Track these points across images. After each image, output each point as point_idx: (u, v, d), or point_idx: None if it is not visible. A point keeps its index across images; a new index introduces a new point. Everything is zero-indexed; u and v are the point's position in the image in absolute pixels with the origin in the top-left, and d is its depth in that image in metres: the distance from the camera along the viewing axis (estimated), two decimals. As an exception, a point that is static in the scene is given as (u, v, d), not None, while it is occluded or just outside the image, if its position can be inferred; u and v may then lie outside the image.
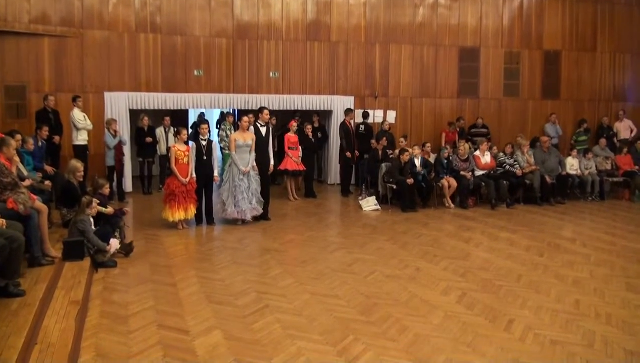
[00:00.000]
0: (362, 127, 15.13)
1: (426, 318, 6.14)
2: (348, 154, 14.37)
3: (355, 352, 5.30)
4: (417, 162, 12.85)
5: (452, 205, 12.83)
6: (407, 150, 12.76)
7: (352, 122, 14.92)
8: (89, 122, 12.90)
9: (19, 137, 9.38)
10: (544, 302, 6.72)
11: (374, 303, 6.61)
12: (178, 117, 16.32)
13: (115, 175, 13.19)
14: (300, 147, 13.72)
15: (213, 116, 23.06)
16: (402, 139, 14.13)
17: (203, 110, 19.85)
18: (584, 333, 5.79)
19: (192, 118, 21.14)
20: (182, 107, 15.18)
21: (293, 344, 5.42)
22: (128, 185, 14.26)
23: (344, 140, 14.48)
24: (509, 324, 5.99)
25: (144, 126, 14.04)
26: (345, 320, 6.06)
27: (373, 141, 14.54)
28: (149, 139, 14.00)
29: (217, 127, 20.08)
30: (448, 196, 12.90)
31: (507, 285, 7.37)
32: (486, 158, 13.49)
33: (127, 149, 13.89)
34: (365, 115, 15.34)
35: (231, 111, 16.38)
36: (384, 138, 14.09)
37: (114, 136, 13.05)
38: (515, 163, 13.56)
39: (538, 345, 5.49)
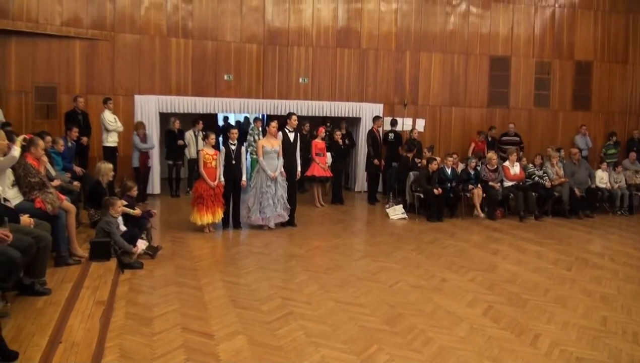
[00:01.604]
0: (391, 135, 15.03)
1: (451, 330, 6.08)
2: (376, 161, 14.31)
3: (379, 362, 5.27)
4: (449, 172, 12.75)
5: (482, 214, 12.71)
6: (436, 159, 12.68)
7: (380, 129, 14.86)
8: (119, 124, 12.99)
9: (49, 138, 9.47)
10: (570, 317, 6.63)
11: (398, 313, 6.57)
12: (207, 122, 16.38)
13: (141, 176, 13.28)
14: (328, 153, 13.70)
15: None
16: (426, 150, 14.02)
17: (231, 114, 19.99)
18: (610, 351, 5.70)
19: (222, 123, 21.28)
20: (212, 111, 15.28)
21: (317, 352, 5.40)
22: (156, 187, 14.39)
23: (371, 148, 14.43)
24: (535, 339, 5.92)
25: (174, 129, 14.13)
26: (369, 329, 6.03)
27: (402, 148, 14.39)
28: (180, 142, 14.11)
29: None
30: (478, 205, 12.78)
31: (534, 299, 7.28)
32: (515, 169, 13.35)
33: (156, 151, 14.01)
34: (394, 123, 15.25)
35: (260, 116, 16.41)
36: (415, 148, 13.99)
37: (142, 140, 13.16)
38: (545, 175, 13.41)
39: (564, 362, 5.41)
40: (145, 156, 13.37)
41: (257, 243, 9.83)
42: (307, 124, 15.03)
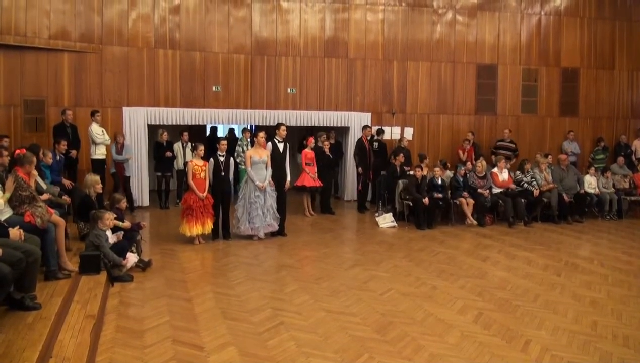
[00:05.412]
0: (375, 144, 15.04)
1: (442, 338, 6.09)
2: (360, 170, 14.34)
3: (370, 370, 5.28)
4: (439, 182, 12.77)
5: (474, 222, 12.72)
6: (421, 167, 12.72)
7: (368, 138, 14.88)
8: (107, 136, 12.98)
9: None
10: (561, 322, 6.66)
11: (389, 321, 6.58)
12: (195, 133, 16.38)
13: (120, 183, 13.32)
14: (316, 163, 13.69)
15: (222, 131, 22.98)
16: (419, 158, 14.01)
17: (219, 125, 19.93)
18: (601, 355, 5.72)
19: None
20: (200, 123, 15.25)
21: (308, 362, 5.40)
22: (145, 199, 14.36)
23: (358, 157, 14.46)
24: (525, 345, 5.93)
25: (163, 141, 14.13)
26: (360, 338, 6.03)
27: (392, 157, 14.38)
28: (169, 154, 14.10)
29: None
30: (469, 213, 12.79)
31: (524, 305, 7.30)
32: (504, 175, 13.41)
33: (144, 163, 13.98)
34: (380, 132, 15.28)
35: (248, 127, 16.42)
36: (401, 154, 14.01)
37: (118, 151, 13.18)
38: (533, 180, 13.46)
39: (555, 367, 5.44)
40: (121, 168, 13.36)
41: (247, 254, 9.83)
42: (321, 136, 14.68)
